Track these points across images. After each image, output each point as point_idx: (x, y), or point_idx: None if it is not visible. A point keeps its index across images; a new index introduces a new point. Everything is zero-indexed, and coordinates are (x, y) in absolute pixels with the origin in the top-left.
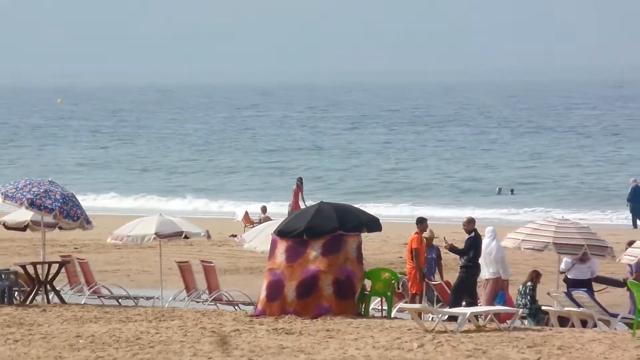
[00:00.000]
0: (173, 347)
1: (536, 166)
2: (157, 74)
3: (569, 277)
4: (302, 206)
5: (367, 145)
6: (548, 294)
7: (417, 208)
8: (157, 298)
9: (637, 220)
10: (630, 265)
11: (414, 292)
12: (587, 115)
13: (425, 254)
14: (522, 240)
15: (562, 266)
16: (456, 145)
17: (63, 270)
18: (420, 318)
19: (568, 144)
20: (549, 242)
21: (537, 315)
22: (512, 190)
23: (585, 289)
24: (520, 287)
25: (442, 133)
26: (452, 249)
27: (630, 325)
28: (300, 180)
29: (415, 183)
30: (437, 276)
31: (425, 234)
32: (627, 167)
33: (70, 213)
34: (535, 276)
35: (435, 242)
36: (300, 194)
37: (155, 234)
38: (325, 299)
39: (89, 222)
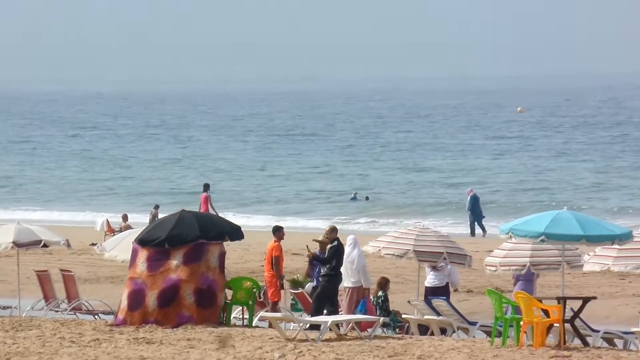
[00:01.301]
0: (31, 358)
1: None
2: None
3: (426, 285)
4: (212, 212)
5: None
6: (408, 302)
7: (281, 218)
8: (14, 307)
9: (476, 226)
10: (516, 275)
11: (274, 300)
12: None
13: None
14: (383, 247)
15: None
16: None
17: None
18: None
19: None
20: (409, 250)
21: (395, 321)
22: (367, 197)
23: (444, 297)
24: (372, 297)
25: (303, 145)
26: (314, 257)
27: (488, 333)
28: (207, 186)
29: (279, 194)
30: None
31: (321, 238)
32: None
33: None
34: (384, 283)
35: (298, 251)
36: (209, 200)
37: (13, 242)
38: (186, 308)
39: None
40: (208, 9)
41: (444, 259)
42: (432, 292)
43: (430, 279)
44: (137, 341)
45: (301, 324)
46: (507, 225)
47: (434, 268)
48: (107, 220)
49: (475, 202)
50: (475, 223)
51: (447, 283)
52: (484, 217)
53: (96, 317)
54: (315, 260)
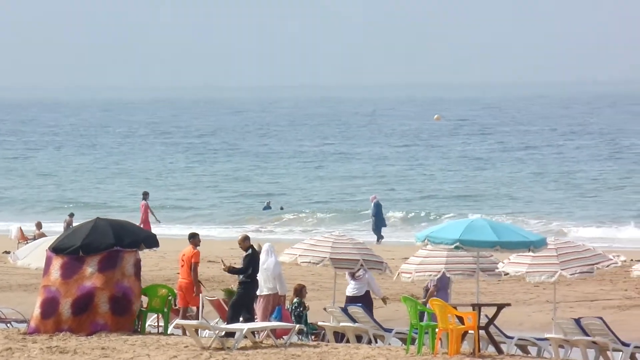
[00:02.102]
0: None
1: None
2: None
3: (347, 294)
4: (152, 220)
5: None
6: (324, 309)
7: (196, 225)
8: None
9: (379, 234)
10: (430, 282)
11: (191, 305)
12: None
13: None
14: (300, 255)
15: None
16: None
17: None
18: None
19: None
20: (326, 257)
21: (310, 328)
22: (281, 207)
23: (360, 304)
24: (288, 305)
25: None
26: (231, 270)
27: (404, 340)
28: (146, 194)
29: (193, 203)
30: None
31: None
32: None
33: None
34: (299, 290)
35: (213, 259)
36: (149, 207)
37: None
38: (101, 315)
39: None
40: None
41: (362, 265)
42: (352, 302)
43: (351, 288)
44: (50, 350)
45: (217, 332)
46: (422, 232)
47: (353, 277)
48: (20, 228)
49: (378, 208)
50: (377, 229)
51: (367, 292)
52: (385, 225)
53: (9, 325)
54: (230, 272)
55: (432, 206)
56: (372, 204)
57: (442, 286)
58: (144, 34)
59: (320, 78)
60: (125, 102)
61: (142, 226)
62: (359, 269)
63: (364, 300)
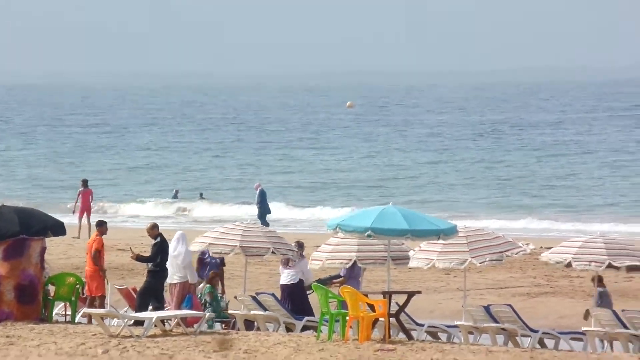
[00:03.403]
0: None
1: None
2: None
3: (281, 284)
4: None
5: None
6: (235, 297)
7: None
8: None
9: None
10: (343, 270)
11: (94, 294)
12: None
13: (208, 259)
14: (210, 243)
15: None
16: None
17: None
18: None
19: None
20: (236, 245)
21: (220, 315)
22: (201, 194)
23: (301, 294)
24: (199, 293)
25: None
26: (139, 258)
27: (315, 328)
28: (85, 181)
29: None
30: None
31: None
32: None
33: None
34: (211, 278)
35: (123, 247)
36: (90, 195)
37: None
38: (6, 304)
39: None
40: None
41: (296, 252)
42: (288, 290)
43: (284, 277)
44: None
45: (125, 320)
46: (334, 220)
47: (287, 265)
48: None
49: (263, 196)
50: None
51: (302, 280)
52: (269, 212)
53: None
54: (139, 260)
55: (338, 194)
56: (257, 192)
57: (353, 274)
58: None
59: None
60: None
61: (79, 214)
62: (288, 258)
63: (299, 289)
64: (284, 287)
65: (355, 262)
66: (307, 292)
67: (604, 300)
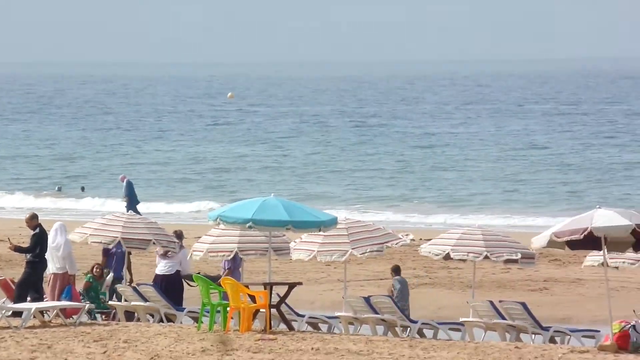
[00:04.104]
0: None
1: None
2: None
3: (157, 273)
4: None
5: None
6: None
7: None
8: None
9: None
10: (225, 262)
11: None
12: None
13: (114, 249)
14: (90, 235)
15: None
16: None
17: None
18: None
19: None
20: (117, 237)
21: (100, 307)
22: (82, 188)
23: (176, 286)
24: (81, 289)
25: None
26: (17, 249)
27: (196, 319)
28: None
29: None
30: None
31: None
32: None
33: None
34: (94, 269)
35: (2, 237)
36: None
37: None
38: None
39: None
40: None
41: (175, 243)
42: (164, 281)
43: (161, 267)
44: None
45: (3, 311)
46: (215, 211)
47: (165, 256)
48: None
49: (130, 188)
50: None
51: (178, 271)
52: (139, 202)
53: None
54: (17, 251)
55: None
56: (124, 184)
57: (234, 266)
58: None
59: None
60: None
61: None
62: (168, 250)
63: (175, 280)
64: (159, 277)
65: (236, 254)
66: (191, 285)
67: (403, 289)
